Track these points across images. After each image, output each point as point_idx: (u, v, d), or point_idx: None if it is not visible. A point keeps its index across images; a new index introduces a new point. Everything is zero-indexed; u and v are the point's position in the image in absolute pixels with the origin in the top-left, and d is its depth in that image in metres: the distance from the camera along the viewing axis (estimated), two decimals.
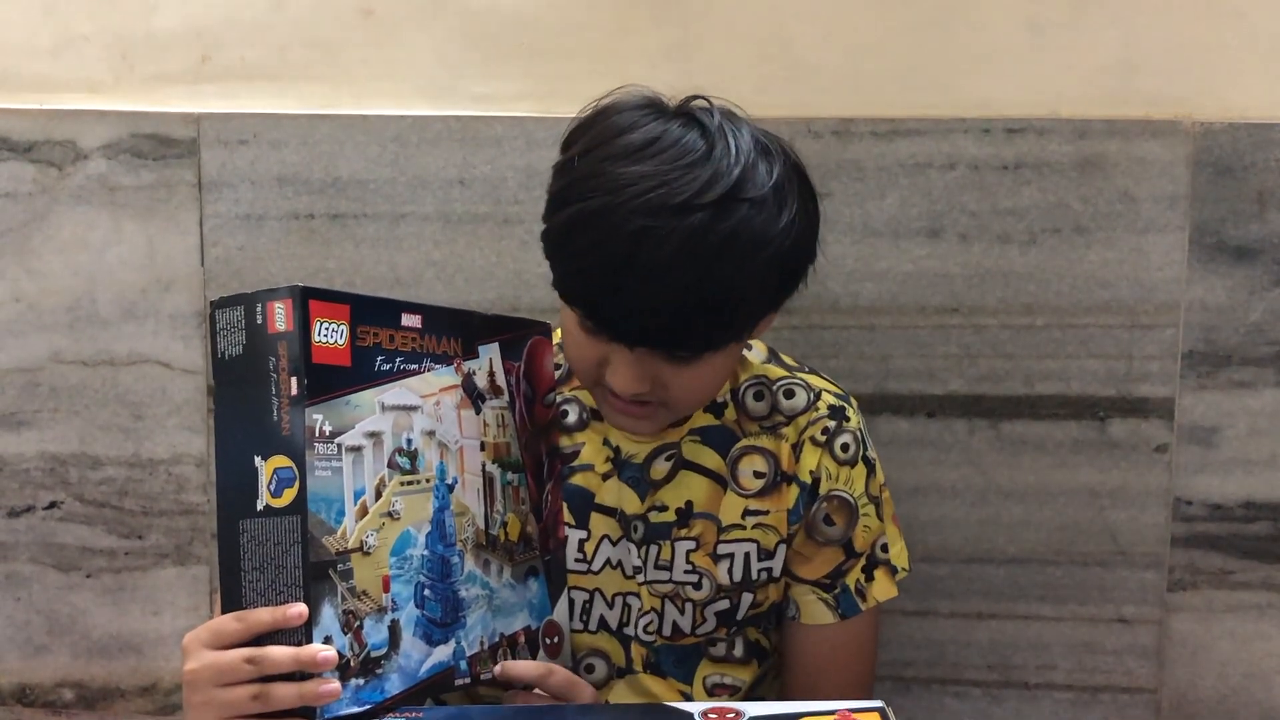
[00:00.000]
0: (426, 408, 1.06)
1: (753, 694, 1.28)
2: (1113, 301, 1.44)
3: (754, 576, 1.22)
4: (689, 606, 1.22)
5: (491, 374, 1.13)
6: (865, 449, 1.24)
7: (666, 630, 1.22)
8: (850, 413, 1.23)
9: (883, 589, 1.26)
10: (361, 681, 0.99)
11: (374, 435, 1.02)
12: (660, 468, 1.22)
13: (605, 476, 1.22)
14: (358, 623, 0.99)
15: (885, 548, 1.26)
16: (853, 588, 1.24)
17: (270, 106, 1.50)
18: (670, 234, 0.99)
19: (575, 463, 1.22)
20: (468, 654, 1.08)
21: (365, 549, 1.00)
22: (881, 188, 1.45)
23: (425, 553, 1.05)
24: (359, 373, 1.01)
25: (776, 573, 1.23)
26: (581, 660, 1.23)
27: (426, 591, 1.05)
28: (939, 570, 1.49)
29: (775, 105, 1.43)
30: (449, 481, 1.09)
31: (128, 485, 1.56)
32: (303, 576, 0.96)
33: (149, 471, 1.56)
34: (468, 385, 1.11)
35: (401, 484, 1.04)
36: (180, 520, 1.57)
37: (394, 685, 1.01)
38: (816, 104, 1.45)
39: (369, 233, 1.50)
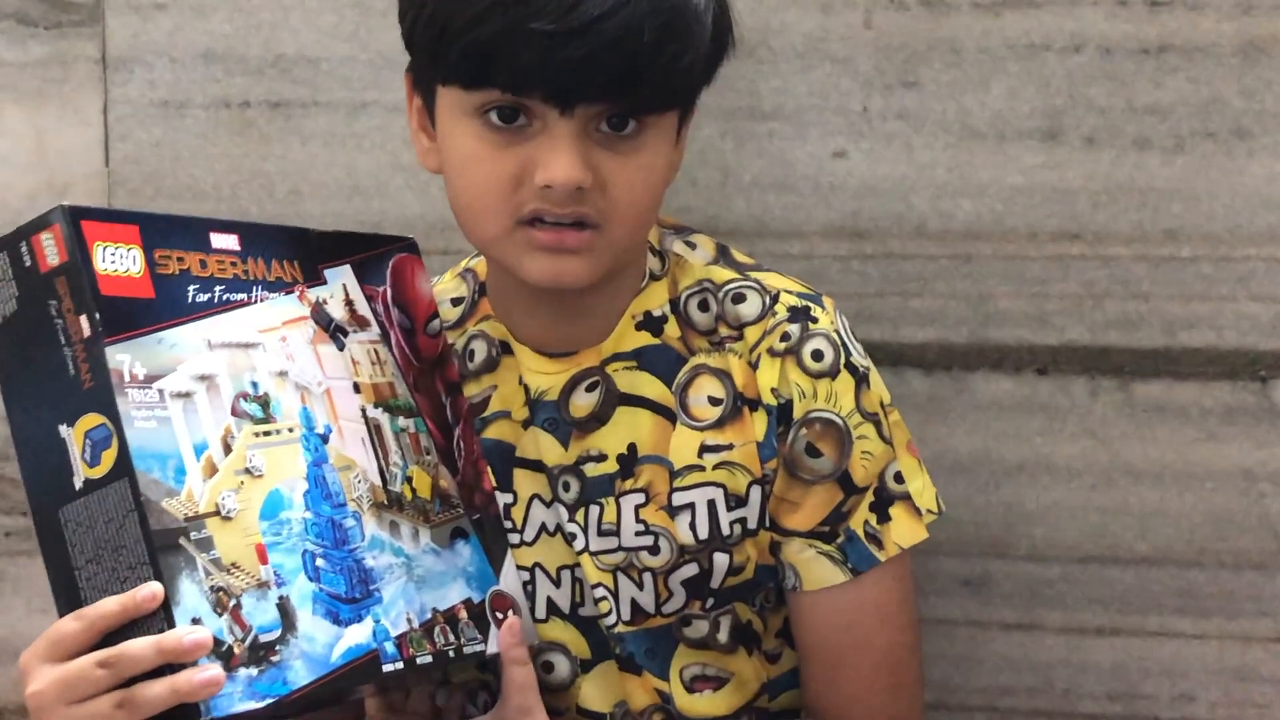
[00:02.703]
0: (269, 344, 1.09)
1: (763, 694, 1.27)
2: None
3: (725, 531, 1.21)
4: (648, 578, 1.22)
5: (349, 302, 1.16)
6: (848, 354, 1.22)
7: (626, 613, 1.23)
8: (818, 312, 1.23)
9: (906, 531, 1.22)
10: (254, 671, 1.00)
11: (205, 378, 1.04)
12: (582, 402, 1.22)
13: (526, 424, 1.24)
14: (233, 601, 1.00)
15: (900, 477, 1.24)
16: (861, 533, 1.21)
17: None
18: None
19: (488, 412, 1.25)
20: (393, 634, 1.10)
21: (224, 513, 1.01)
22: (984, 76, 1.43)
23: (308, 515, 1.07)
24: (168, 305, 1.03)
25: (753, 524, 1.22)
26: (539, 658, 1.24)
27: (320, 561, 1.06)
28: (1049, 572, 1.47)
29: None
30: (320, 431, 1.10)
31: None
32: (147, 550, 0.97)
33: None
34: (319, 316, 1.13)
35: (256, 435, 1.05)
36: None
37: (301, 675, 1.02)
38: None
39: (320, 127, 1.51)
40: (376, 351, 1.16)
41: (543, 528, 1.23)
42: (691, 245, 1.27)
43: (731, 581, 1.21)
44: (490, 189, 1.13)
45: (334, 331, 1.14)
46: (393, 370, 1.18)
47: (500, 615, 1.18)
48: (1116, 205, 1.42)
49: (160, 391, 1.00)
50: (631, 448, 1.21)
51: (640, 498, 1.21)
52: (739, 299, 1.23)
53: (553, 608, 1.23)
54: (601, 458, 1.21)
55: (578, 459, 1.22)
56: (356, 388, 1.14)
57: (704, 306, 1.23)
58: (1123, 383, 1.44)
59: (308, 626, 1.03)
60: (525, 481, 1.23)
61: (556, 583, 1.23)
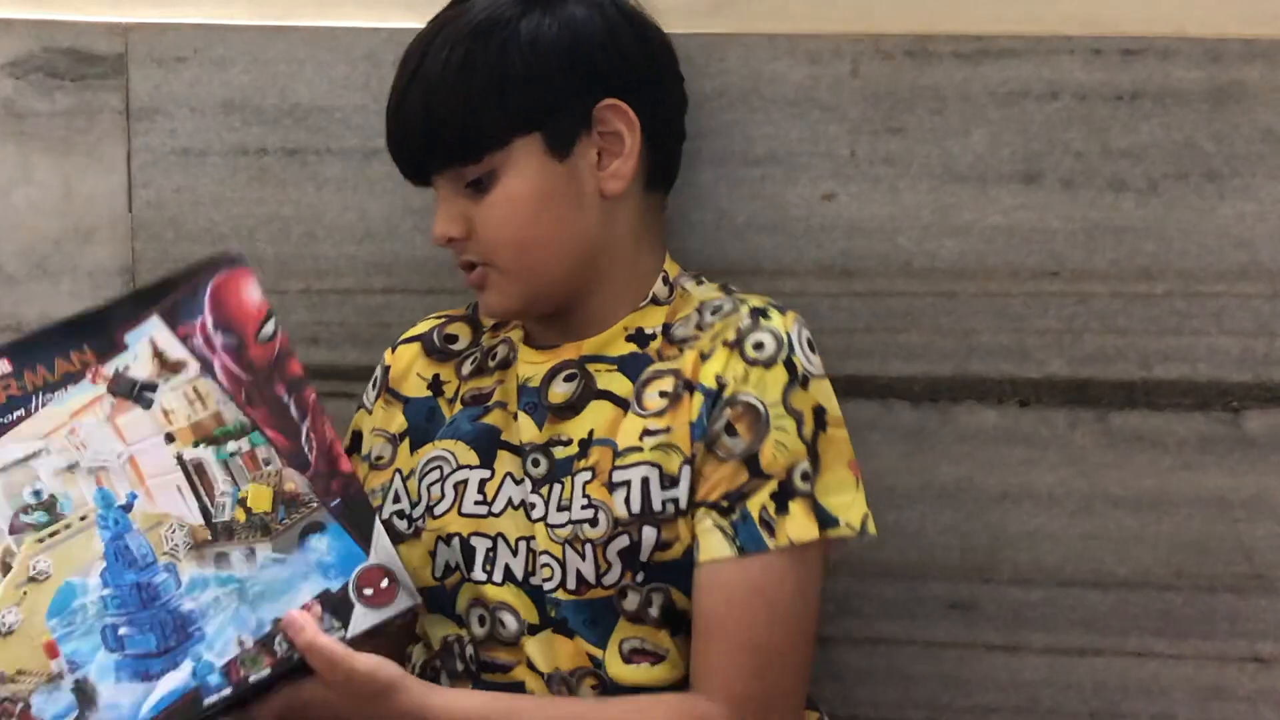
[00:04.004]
0: (53, 445, 1.15)
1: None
2: (1251, 265, 1.43)
3: (656, 507, 1.27)
4: (589, 549, 1.28)
5: (158, 354, 1.20)
6: (790, 352, 1.27)
7: (571, 583, 1.29)
8: (774, 314, 1.29)
9: (799, 527, 1.25)
10: None
11: None
12: (560, 391, 1.33)
13: (516, 414, 1.34)
14: (20, 705, 1.10)
15: (806, 476, 1.26)
16: (756, 516, 1.25)
17: (214, 16, 1.53)
18: (413, 56, 1.31)
19: (491, 402, 1.36)
20: (219, 665, 1.14)
21: (4, 631, 1.11)
22: (966, 122, 1.45)
23: (109, 592, 1.13)
24: None
25: (684, 504, 1.27)
26: (494, 612, 1.31)
27: (123, 630, 1.13)
28: (1031, 595, 1.48)
29: (834, 19, 1.45)
30: (123, 503, 1.16)
31: None
32: None
33: None
34: (118, 387, 1.18)
35: (40, 541, 1.13)
36: None
37: None
38: (886, 17, 1.45)
39: (334, 172, 1.53)
40: (195, 389, 1.20)
41: (509, 502, 1.31)
42: (700, 282, 1.36)
43: (660, 557, 1.27)
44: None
45: (138, 394, 1.18)
46: (217, 399, 1.20)
47: (369, 591, 1.20)
48: (1093, 244, 1.44)
49: None
50: (591, 433, 1.30)
51: (588, 475, 1.29)
52: (716, 310, 1.31)
53: (508, 574, 1.30)
54: (569, 442, 1.30)
55: (548, 440, 1.31)
56: (170, 437, 1.18)
57: (686, 322, 1.32)
58: (1101, 414, 1.46)
59: (111, 695, 1.11)
60: (504, 461, 1.33)
61: (514, 552, 1.30)
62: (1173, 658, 1.48)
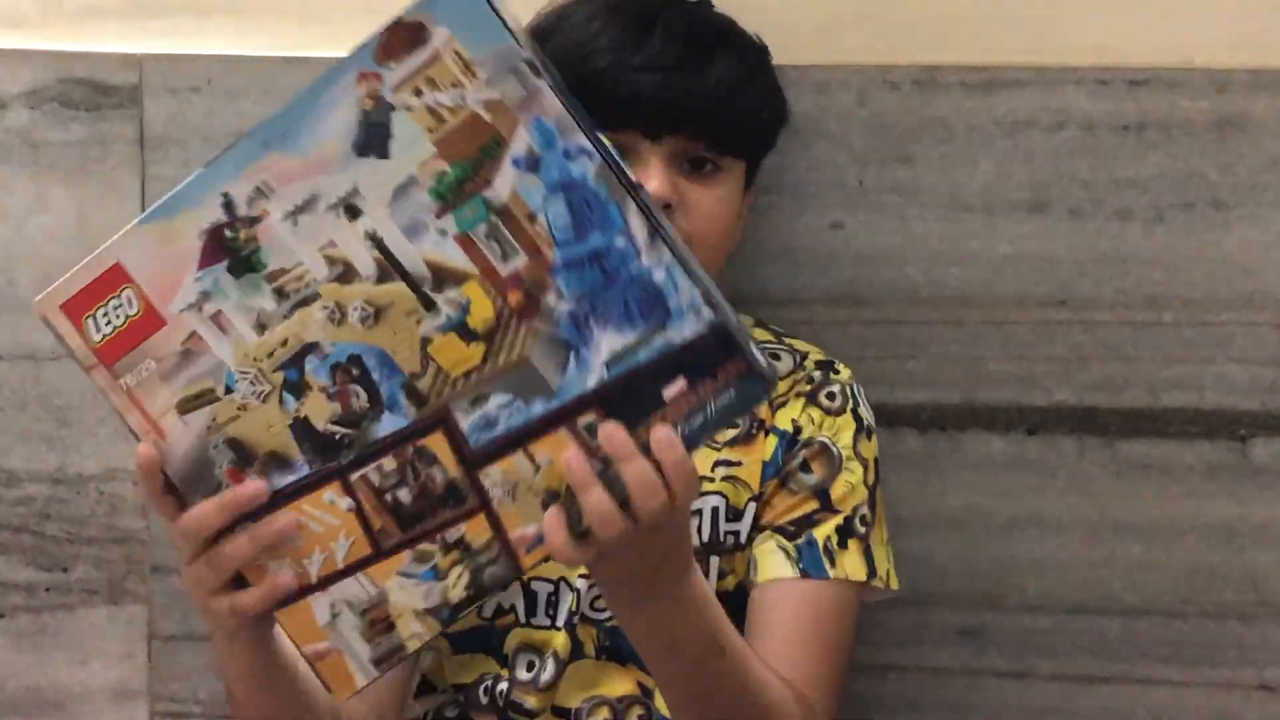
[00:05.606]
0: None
1: None
2: (1257, 293, 1.45)
3: (720, 538, 1.31)
4: None
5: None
6: (857, 404, 1.35)
7: None
8: (841, 367, 1.37)
9: (854, 565, 1.30)
10: None
11: None
12: None
13: None
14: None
15: (865, 520, 1.32)
16: (821, 544, 1.29)
17: (227, 47, 1.53)
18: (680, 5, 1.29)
19: None
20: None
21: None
22: (973, 152, 1.47)
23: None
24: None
25: (743, 538, 1.31)
26: (545, 657, 1.30)
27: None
28: (1040, 622, 1.50)
29: (843, 50, 1.46)
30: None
31: (50, 506, 1.59)
32: None
33: (76, 490, 1.58)
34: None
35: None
36: (113, 549, 1.58)
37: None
38: (894, 49, 1.47)
39: None
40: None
41: None
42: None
43: (719, 586, 1.30)
44: None
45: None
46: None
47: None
48: (1100, 273, 1.46)
49: None
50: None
51: None
52: (775, 358, 1.37)
53: (568, 616, 1.29)
54: None
55: None
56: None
57: None
58: (1108, 442, 1.47)
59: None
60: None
61: (572, 587, 1.29)
62: (1181, 685, 1.49)
